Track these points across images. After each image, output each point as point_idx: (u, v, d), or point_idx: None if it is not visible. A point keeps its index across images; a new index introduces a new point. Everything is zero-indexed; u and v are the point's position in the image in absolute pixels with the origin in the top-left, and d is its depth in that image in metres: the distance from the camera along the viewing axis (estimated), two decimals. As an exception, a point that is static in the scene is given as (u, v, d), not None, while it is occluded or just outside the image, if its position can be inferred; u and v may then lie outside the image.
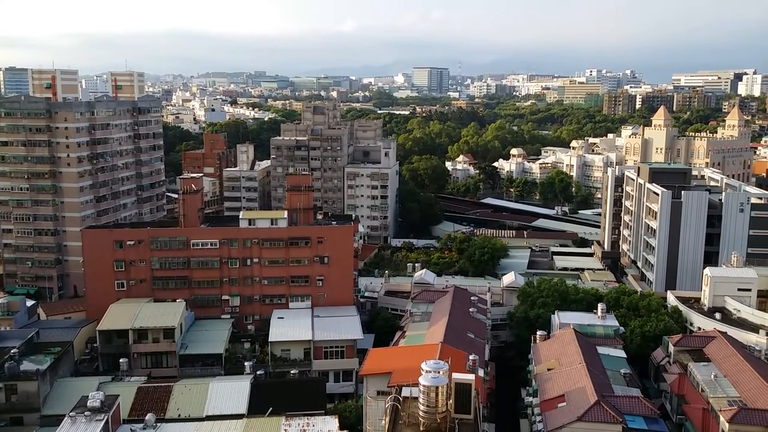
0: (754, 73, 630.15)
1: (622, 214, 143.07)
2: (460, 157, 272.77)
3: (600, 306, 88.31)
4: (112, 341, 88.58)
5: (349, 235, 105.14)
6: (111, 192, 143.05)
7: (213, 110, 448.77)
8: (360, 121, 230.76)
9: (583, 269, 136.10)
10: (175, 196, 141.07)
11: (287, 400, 69.86)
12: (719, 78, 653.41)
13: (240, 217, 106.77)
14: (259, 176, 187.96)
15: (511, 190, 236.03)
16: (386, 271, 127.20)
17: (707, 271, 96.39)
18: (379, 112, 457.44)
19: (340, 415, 66.04)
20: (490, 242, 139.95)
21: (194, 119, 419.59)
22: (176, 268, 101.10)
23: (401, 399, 50.43)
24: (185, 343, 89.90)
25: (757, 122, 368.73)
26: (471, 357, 67.29)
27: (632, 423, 59.76)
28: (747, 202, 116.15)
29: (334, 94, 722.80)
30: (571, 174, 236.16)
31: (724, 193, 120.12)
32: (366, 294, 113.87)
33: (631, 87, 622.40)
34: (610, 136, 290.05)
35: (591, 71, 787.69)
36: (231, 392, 71.93)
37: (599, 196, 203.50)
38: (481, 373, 66.39)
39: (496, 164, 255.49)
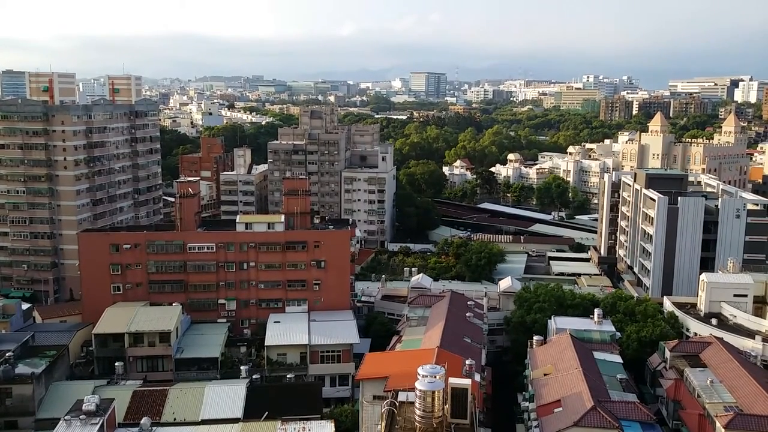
0: (750, 79, 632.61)
1: (619, 219, 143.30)
2: (457, 162, 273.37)
3: (596, 311, 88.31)
4: (107, 345, 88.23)
5: (346, 239, 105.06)
6: (108, 195, 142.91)
7: (210, 114, 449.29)
8: (357, 125, 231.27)
9: (579, 274, 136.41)
10: (172, 199, 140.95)
11: (283, 405, 69.71)
12: (716, 84, 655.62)
13: (237, 221, 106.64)
14: (256, 180, 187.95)
15: (508, 195, 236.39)
16: (383, 276, 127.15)
17: (703, 276, 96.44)
18: (377, 116, 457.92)
19: (336, 419, 66.01)
20: (486, 247, 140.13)
21: (191, 123, 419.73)
22: (172, 271, 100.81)
23: (397, 403, 50.40)
24: (181, 347, 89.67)
25: (753, 129, 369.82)
26: (467, 362, 67.15)
27: (628, 428, 59.70)
28: (743, 209, 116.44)
29: (332, 98, 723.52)
30: (568, 179, 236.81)
31: (720, 199, 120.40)
32: (363, 298, 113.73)
33: (627, 93, 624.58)
34: (607, 141, 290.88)
35: (588, 77, 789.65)
36: (227, 396, 71.74)
37: (596, 201, 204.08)
38: (477, 377, 66.28)
39: (493, 169, 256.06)
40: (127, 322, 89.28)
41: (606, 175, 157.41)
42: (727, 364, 72.55)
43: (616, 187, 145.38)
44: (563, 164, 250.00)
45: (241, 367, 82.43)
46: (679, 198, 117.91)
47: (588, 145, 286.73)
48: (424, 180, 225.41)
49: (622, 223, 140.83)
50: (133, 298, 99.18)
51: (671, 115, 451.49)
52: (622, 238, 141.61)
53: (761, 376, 69.90)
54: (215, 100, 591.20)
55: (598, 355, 77.92)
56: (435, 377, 46.87)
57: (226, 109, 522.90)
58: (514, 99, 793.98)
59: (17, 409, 71.42)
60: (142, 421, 60.81)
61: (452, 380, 49.83)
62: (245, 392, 72.02)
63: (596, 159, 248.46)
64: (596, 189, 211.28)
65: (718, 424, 60.40)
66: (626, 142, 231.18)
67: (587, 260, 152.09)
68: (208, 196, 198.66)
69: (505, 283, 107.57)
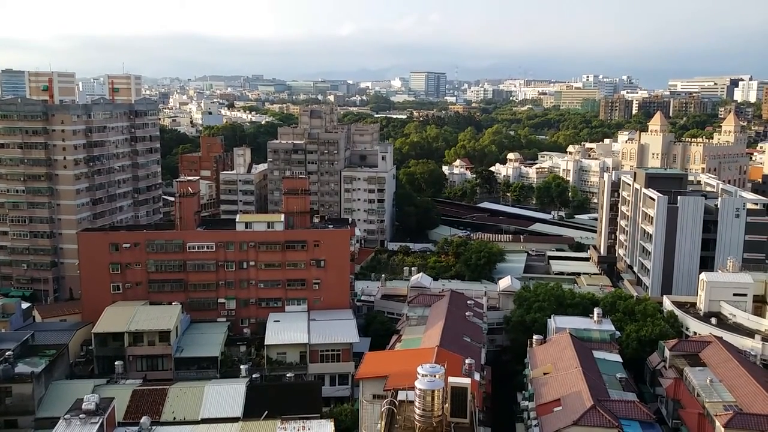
0: (750, 79, 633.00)
1: (619, 218, 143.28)
2: (457, 162, 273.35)
3: (596, 310, 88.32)
4: (107, 344, 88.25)
5: (345, 238, 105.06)
6: (107, 195, 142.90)
7: (210, 113, 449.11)
8: (357, 125, 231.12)
9: (579, 274, 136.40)
10: (172, 199, 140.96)
11: (283, 404, 69.70)
12: (715, 84, 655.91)
13: (236, 220, 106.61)
14: (256, 179, 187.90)
15: (508, 194, 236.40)
16: (383, 275, 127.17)
17: (703, 276, 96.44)
18: (376, 116, 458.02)
19: (336, 418, 65.99)
20: (486, 246, 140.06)
21: (191, 122, 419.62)
22: (172, 271, 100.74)
23: (397, 403, 50.40)
24: (181, 346, 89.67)
25: (752, 128, 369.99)
26: (467, 361, 67.23)
27: (628, 427, 59.72)
28: (743, 208, 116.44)
29: (332, 97, 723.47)
30: (568, 179, 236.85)
31: (720, 199, 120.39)
32: (362, 298, 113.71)
33: (627, 92, 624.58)
34: (607, 141, 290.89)
35: (588, 76, 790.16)
36: (226, 395, 71.74)
37: (595, 200, 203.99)
38: (477, 377, 66.31)
39: (492, 169, 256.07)
40: (126, 321, 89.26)
41: (606, 175, 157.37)
42: (727, 364, 72.57)
43: (615, 187, 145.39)
44: (563, 164, 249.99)
45: (241, 366, 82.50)
46: (678, 197, 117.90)
47: (588, 145, 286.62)
48: (423, 179, 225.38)
49: (622, 223, 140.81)
50: (133, 298, 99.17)
51: (671, 114, 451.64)
52: (621, 237, 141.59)
53: (761, 376, 69.93)
54: (215, 100, 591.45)
55: (597, 354, 77.96)
56: (435, 376, 46.88)
57: (225, 108, 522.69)
58: (514, 98, 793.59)
59: (17, 408, 71.36)
60: (141, 421, 60.82)
61: (452, 379, 49.87)
62: (245, 391, 72.01)
63: (596, 158, 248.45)
64: (596, 188, 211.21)
65: (717, 423, 60.42)
66: (626, 142, 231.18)
67: (587, 259, 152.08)
68: (208, 195, 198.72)
69: (504, 283, 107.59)
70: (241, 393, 71.74)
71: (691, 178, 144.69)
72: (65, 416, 54.51)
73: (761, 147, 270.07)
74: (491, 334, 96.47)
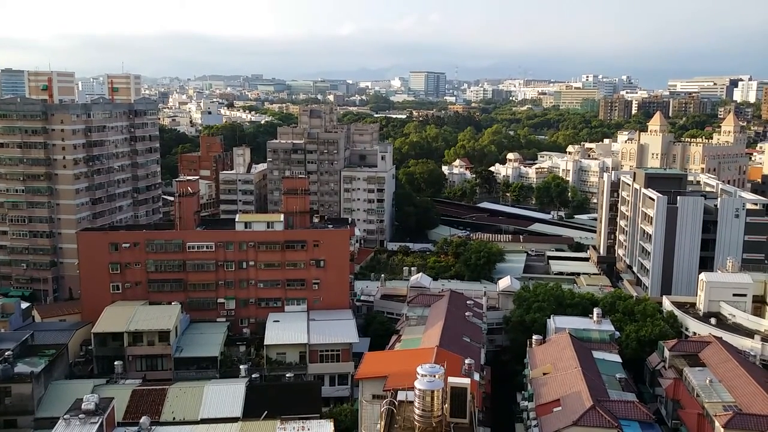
0: (750, 79, 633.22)
1: (618, 219, 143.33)
2: (457, 162, 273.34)
3: (596, 311, 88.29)
4: (107, 344, 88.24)
5: (345, 238, 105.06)
6: (107, 194, 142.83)
7: (209, 113, 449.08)
8: (357, 124, 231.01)
9: (578, 274, 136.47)
10: (171, 198, 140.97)
11: (282, 404, 69.71)
12: (715, 84, 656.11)
13: (236, 220, 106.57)
14: (256, 179, 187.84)
15: (507, 194, 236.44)
16: (382, 275, 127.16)
17: (703, 276, 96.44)
18: (376, 115, 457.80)
19: (336, 418, 65.95)
20: (486, 246, 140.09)
21: (191, 122, 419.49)
22: (172, 270, 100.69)
23: (397, 403, 50.38)
24: (180, 346, 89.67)
25: (752, 128, 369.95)
26: (467, 361, 67.20)
27: (627, 428, 59.70)
28: (742, 208, 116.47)
29: (331, 97, 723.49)
30: (567, 179, 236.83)
31: (719, 199, 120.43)
32: (362, 298, 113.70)
33: (627, 92, 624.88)
34: (606, 141, 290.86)
35: (587, 76, 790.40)
36: (226, 395, 71.74)
37: (595, 200, 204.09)
38: (476, 377, 66.26)
39: (492, 169, 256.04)
40: (126, 321, 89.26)
41: (605, 175, 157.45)
42: (726, 364, 72.57)
43: (615, 187, 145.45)
44: (562, 164, 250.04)
45: (241, 366, 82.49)
46: (678, 197, 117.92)
47: (587, 145, 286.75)
48: (423, 179, 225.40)
49: (622, 223, 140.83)
50: (133, 297, 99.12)
51: (670, 114, 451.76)
52: (621, 237, 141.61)
53: (760, 376, 69.97)
54: (214, 99, 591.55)
55: (597, 354, 77.94)
56: (434, 376, 46.86)
57: (225, 108, 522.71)
58: (514, 98, 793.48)
59: (16, 408, 71.33)
60: (141, 421, 60.76)
61: (451, 379, 49.87)
62: (244, 391, 72.03)
63: (595, 158, 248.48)
64: (595, 188, 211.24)
65: (717, 424, 60.40)
66: (625, 142, 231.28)
67: (586, 260, 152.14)
68: (208, 195, 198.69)
69: (504, 283, 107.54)
70: (240, 393, 71.75)
71: (690, 178, 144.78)
72: (65, 416, 54.50)
73: (761, 147, 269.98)
74: (491, 334, 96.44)
